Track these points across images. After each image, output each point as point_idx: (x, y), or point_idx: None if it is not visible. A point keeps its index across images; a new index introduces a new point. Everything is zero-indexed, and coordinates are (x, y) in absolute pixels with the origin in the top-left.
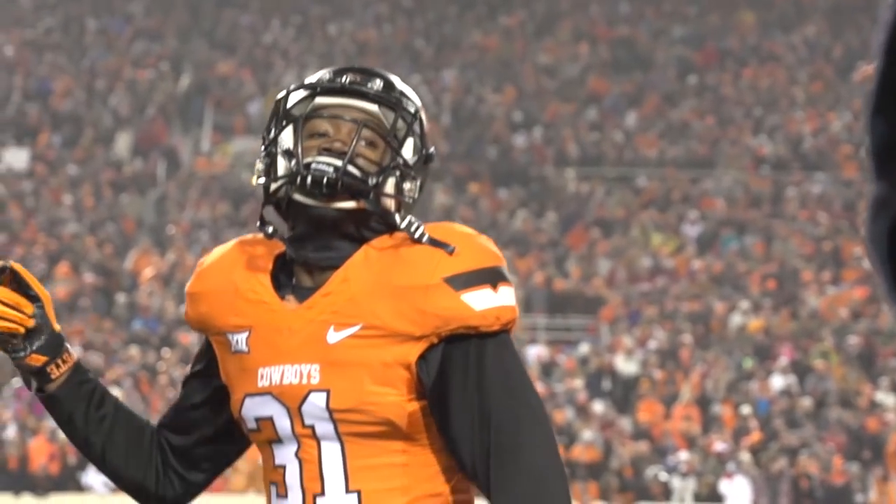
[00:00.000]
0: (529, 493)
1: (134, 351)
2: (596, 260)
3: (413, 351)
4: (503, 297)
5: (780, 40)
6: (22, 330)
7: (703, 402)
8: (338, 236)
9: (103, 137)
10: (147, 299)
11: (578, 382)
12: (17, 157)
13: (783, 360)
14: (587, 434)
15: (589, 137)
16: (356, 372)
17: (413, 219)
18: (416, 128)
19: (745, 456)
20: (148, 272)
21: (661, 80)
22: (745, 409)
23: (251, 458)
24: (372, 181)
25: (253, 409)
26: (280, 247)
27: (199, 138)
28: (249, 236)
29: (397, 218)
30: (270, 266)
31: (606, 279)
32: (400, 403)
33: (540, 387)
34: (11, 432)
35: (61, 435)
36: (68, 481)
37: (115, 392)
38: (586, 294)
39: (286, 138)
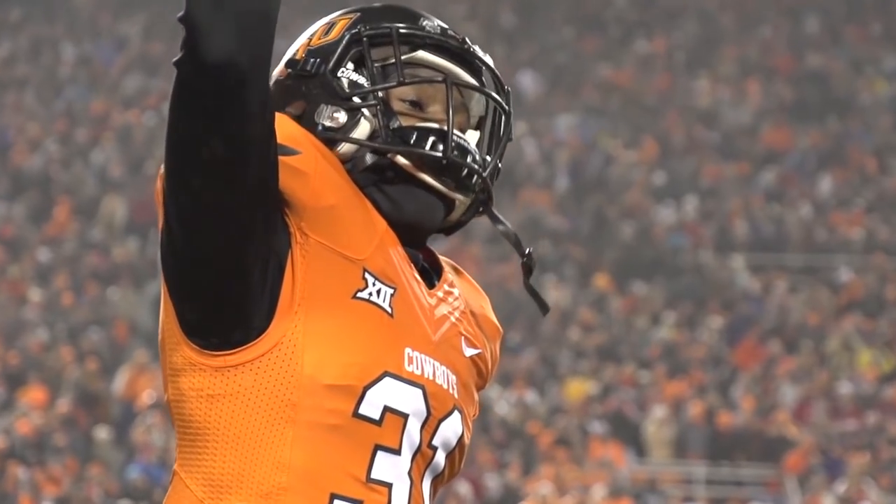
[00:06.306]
0: None
1: None
2: (777, 385)
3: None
4: None
5: None
6: None
7: None
8: None
9: (85, 209)
10: (145, 435)
11: None
12: None
13: None
14: None
15: (764, 212)
16: (470, 400)
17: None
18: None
19: None
20: (146, 397)
21: (866, 131)
22: None
23: None
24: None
25: (391, 395)
26: None
27: None
28: None
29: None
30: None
31: (793, 413)
32: None
33: None
34: None
35: None
36: None
37: None
38: (764, 433)
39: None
